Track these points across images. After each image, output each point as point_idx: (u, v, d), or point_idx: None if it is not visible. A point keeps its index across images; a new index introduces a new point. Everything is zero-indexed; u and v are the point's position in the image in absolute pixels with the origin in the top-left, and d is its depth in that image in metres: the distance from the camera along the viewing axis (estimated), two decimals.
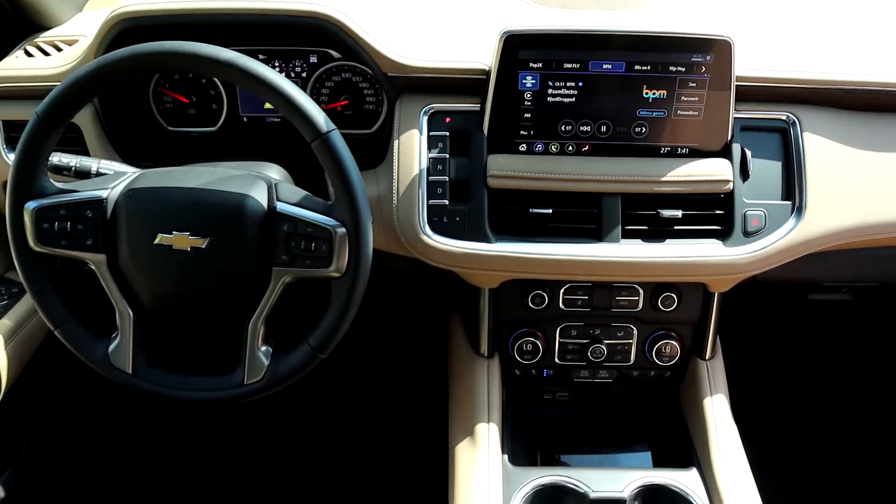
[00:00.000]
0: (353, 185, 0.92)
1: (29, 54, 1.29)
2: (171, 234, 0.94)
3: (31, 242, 0.96)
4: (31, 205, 0.95)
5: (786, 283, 1.35)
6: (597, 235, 1.11)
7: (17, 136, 1.23)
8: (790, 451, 1.76)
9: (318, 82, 1.28)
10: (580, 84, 1.09)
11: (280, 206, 0.95)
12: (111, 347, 1.01)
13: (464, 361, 1.29)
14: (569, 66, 1.08)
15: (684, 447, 1.23)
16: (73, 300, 1.01)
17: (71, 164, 1.07)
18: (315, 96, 1.30)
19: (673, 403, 1.31)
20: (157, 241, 0.94)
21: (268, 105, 1.31)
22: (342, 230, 0.92)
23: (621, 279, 1.16)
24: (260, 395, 1.00)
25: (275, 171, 1.12)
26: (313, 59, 1.27)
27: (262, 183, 0.98)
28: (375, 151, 1.21)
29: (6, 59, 1.28)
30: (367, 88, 1.29)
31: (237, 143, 1.33)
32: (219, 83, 1.30)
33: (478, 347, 1.28)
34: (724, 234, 1.12)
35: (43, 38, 1.32)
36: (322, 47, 1.25)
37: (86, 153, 1.24)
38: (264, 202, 0.95)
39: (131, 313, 0.99)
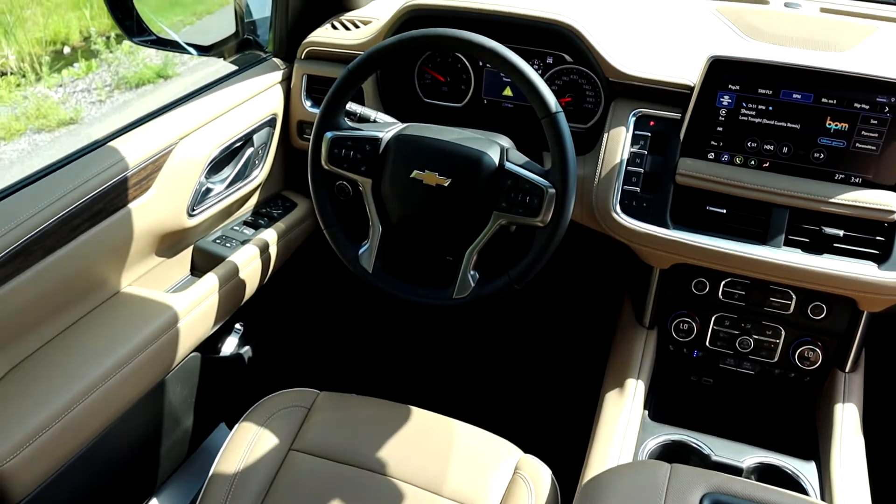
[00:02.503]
0: (568, 157, 1.18)
1: (335, 27, 1.67)
2: (423, 171, 1.25)
3: (322, 161, 1.31)
4: (329, 134, 1.30)
5: None
6: (762, 239, 1.30)
7: (316, 88, 1.63)
8: None
9: (549, 79, 1.55)
10: (770, 108, 1.28)
11: (508, 164, 1.23)
12: (360, 251, 1.34)
13: (627, 328, 1.51)
14: (762, 91, 1.27)
15: (809, 445, 1.38)
16: (339, 213, 1.36)
17: (357, 111, 1.42)
18: None
19: (807, 408, 1.46)
20: (412, 175, 1.26)
21: (506, 93, 1.61)
22: (552, 190, 1.19)
23: (777, 280, 1.33)
24: (463, 308, 1.29)
25: (505, 140, 1.40)
26: (549, 60, 1.55)
27: (496, 146, 1.26)
28: (586, 143, 1.47)
29: (318, 30, 1.67)
30: (589, 91, 1.54)
31: (475, 120, 1.63)
32: (470, 69, 1.61)
33: (642, 318, 1.50)
34: (880, 259, 1.26)
35: (346, 17, 1.70)
36: (558, 51, 1.52)
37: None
38: (496, 160, 1.24)
39: (380, 228, 1.32)
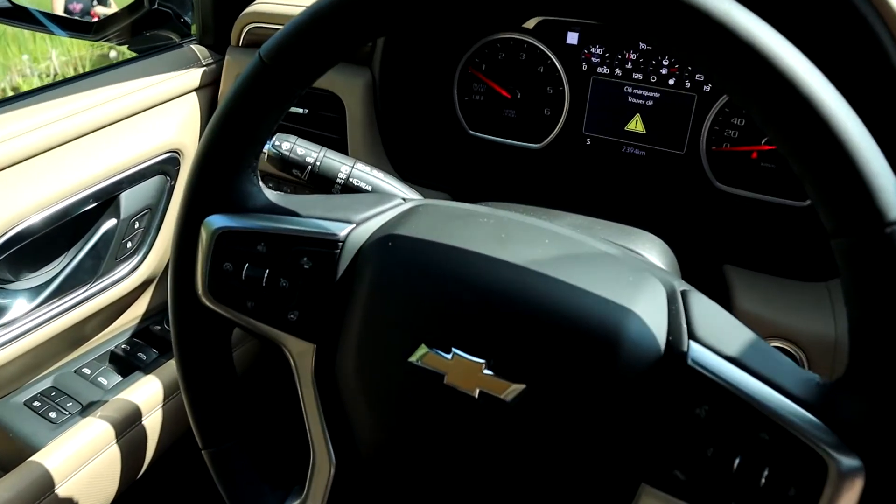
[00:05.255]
0: None
1: None
2: (447, 352, 0.44)
3: (199, 289, 0.51)
4: (215, 221, 0.50)
5: None
6: None
7: None
8: None
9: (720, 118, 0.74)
10: None
11: (699, 354, 0.41)
12: None
13: None
14: None
15: None
16: (244, 410, 0.55)
17: (308, 159, 0.61)
18: (715, 133, 0.76)
19: None
20: (415, 357, 0.45)
21: (632, 126, 0.79)
22: (852, 463, 0.36)
23: None
24: None
25: (659, 255, 0.58)
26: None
27: (657, 287, 0.44)
28: (815, 247, 0.64)
29: None
30: None
31: (565, 174, 0.82)
32: (563, 74, 0.80)
33: None
34: None
35: None
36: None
37: (341, 145, 0.80)
38: (661, 335, 0.42)
39: (333, 462, 0.51)
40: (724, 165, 0.76)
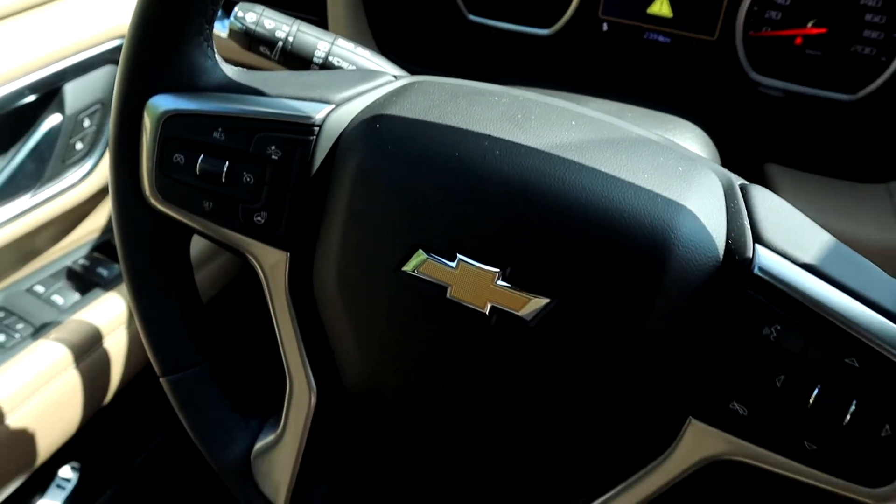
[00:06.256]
0: None
1: None
2: (451, 259, 0.35)
3: (145, 188, 0.42)
4: (161, 103, 0.40)
5: None
6: None
7: None
8: None
9: None
10: None
11: (767, 260, 0.32)
12: (259, 445, 0.46)
13: None
14: None
15: None
16: (209, 329, 0.47)
17: (278, 34, 0.51)
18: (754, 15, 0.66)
19: None
20: (411, 265, 0.36)
21: (654, 9, 0.68)
22: None
23: None
24: None
25: (701, 147, 0.49)
26: None
27: (711, 179, 0.36)
28: (872, 144, 0.55)
29: None
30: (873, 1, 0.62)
31: (578, 65, 0.73)
32: None
33: None
34: None
35: None
36: None
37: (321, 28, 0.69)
38: (720, 238, 0.33)
39: (314, 390, 0.43)
40: (763, 53, 0.66)
